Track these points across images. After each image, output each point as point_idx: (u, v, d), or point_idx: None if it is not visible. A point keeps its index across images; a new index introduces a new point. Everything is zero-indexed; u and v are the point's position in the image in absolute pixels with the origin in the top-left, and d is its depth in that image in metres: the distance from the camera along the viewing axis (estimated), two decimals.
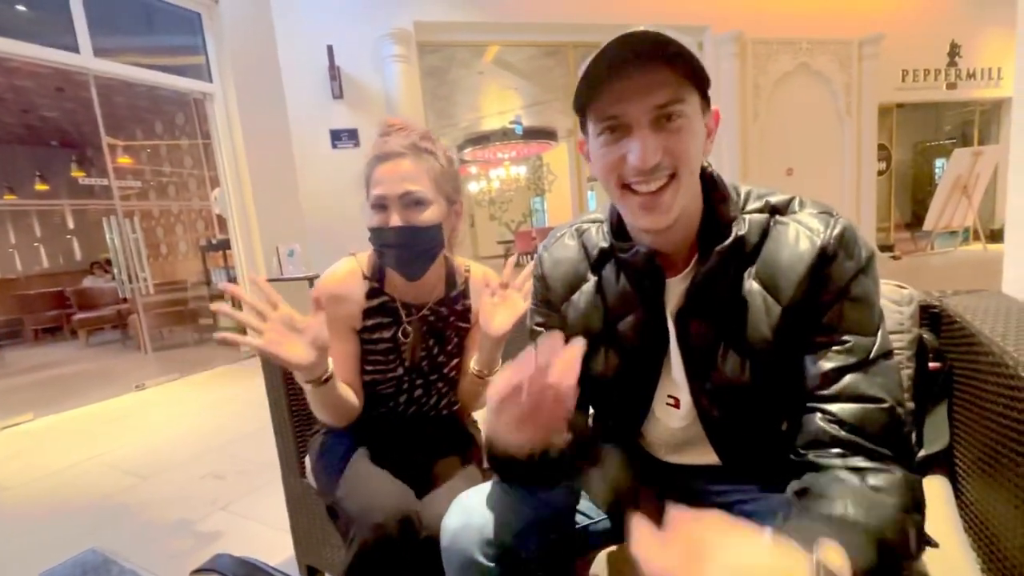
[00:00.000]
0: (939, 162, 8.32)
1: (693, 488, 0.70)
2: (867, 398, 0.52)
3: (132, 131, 6.40)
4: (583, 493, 0.73)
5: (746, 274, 0.59)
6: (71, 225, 8.54)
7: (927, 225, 6.94)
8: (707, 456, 0.68)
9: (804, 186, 4.19)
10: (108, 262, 5.50)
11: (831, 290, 0.55)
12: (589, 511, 0.71)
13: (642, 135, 0.53)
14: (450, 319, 0.99)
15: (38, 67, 3.24)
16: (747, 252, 0.59)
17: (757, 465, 0.64)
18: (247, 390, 3.23)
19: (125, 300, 4.78)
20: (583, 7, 4.95)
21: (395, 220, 0.85)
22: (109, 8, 3.60)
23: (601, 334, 0.67)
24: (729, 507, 0.65)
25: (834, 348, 0.54)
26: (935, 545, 0.61)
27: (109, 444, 2.47)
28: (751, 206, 0.61)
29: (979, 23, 6.43)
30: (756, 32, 5.38)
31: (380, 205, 0.86)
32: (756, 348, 0.58)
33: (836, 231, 0.55)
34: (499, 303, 0.89)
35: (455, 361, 1.03)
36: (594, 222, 0.71)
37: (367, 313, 0.94)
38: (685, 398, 0.66)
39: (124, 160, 6.46)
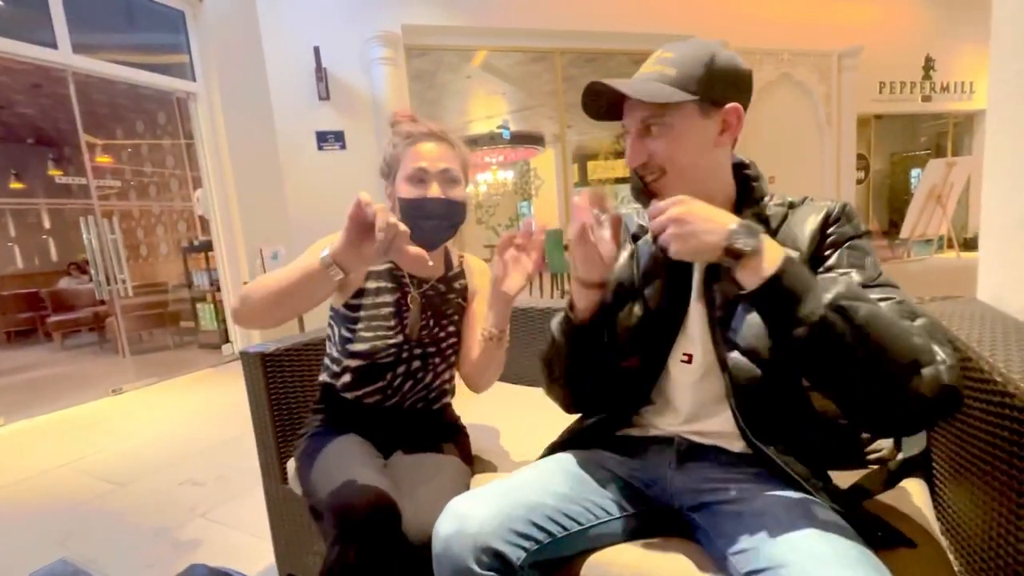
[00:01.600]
0: (915, 172, 8.55)
1: (693, 480, 0.71)
2: (880, 300, 0.59)
3: (112, 130, 6.27)
4: (576, 495, 0.73)
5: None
6: (47, 225, 8.32)
7: (903, 233, 7.11)
8: (724, 422, 0.70)
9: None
10: (85, 263, 5.37)
11: (832, 244, 0.67)
12: (584, 514, 0.71)
13: (631, 141, 0.69)
14: (448, 296, 1.05)
15: (14, 63, 3.15)
16: (771, 230, 0.70)
17: (777, 430, 0.66)
18: (228, 394, 3.17)
19: (102, 302, 4.67)
20: (571, 14, 4.99)
21: (435, 192, 0.92)
22: (89, 4, 3.53)
23: (630, 292, 0.78)
24: (713, 506, 0.66)
25: (839, 276, 0.63)
26: (913, 545, 0.62)
27: (84, 450, 2.40)
28: (775, 203, 0.74)
29: (952, 39, 6.63)
30: (741, 42, 5.47)
31: (420, 179, 0.93)
32: None
33: (840, 204, 0.70)
34: (512, 264, 0.90)
35: (452, 340, 1.05)
36: (635, 210, 0.86)
37: (370, 275, 0.99)
38: (699, 351, 0.71)
39: (103, 159, 6.31)
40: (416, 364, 1.01)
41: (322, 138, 4.32)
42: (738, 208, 0.72)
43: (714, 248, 0.57)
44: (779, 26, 5.67)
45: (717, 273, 0.69)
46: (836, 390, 0.57)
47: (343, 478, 0.83)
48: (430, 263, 0.73)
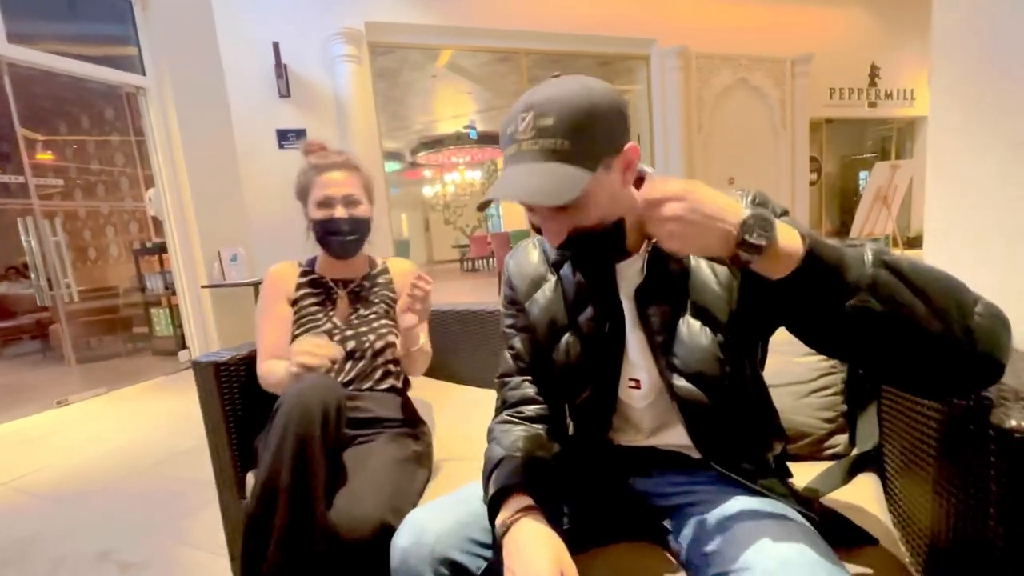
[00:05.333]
0: (863, 174, 8.97)
1: (658, 485, 0.71)
2: None
3: (54, 125, 5.90)
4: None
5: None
6: None
7: (853, 232, 7.44)
8: (682, 436, 0.69)
9: None
10: (25, 267, 5.03)
11: None
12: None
13: (547, 224, 0.63)
14: (373, 288, 1.24)
15: None
16: None
17: (730, 449, 0.66)
18: (183, 403, 3.04)
19: (46, 308, 4.40)
20: (535, 15, 5.01)
21: (339, 213, 1.14)
22: None
23: (563, 327, 0.73)
24: (679, 510, 0.67)
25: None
26: (875, 543, 0.64)
27: (23, 467, 2.25)
28: None
29: (895, 48, 7.00)
30: (700, 47, 5.62)
31: (327, 203, 1.14)
32: (711, 311, 0.64)
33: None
34: (411, 303, 1.05)
35: (384, 321, 1.19)
36: None
37: (299, 286, 1.21)
38: (644, 376, 0.69)
39: (44, 156, 5.93)
40: (351, 344, 1.14)
41: (283, 136, 4.19)
42: None
43: (723, 247, 0.50)
44: (736, 32, 5.84)
45: (650, 300, 0.66)
46: (900, 359, 0.49)
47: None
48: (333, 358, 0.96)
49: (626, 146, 0.60)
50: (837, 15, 6.55)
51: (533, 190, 0.55)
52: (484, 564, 0.63)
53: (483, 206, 0.61)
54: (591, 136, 0.56)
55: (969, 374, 0.49)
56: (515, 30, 5.00)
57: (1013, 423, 0.48)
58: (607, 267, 0.69)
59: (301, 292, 1.19)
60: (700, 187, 0.50)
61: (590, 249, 0.65)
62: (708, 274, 0.65)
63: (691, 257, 0.66)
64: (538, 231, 0.67)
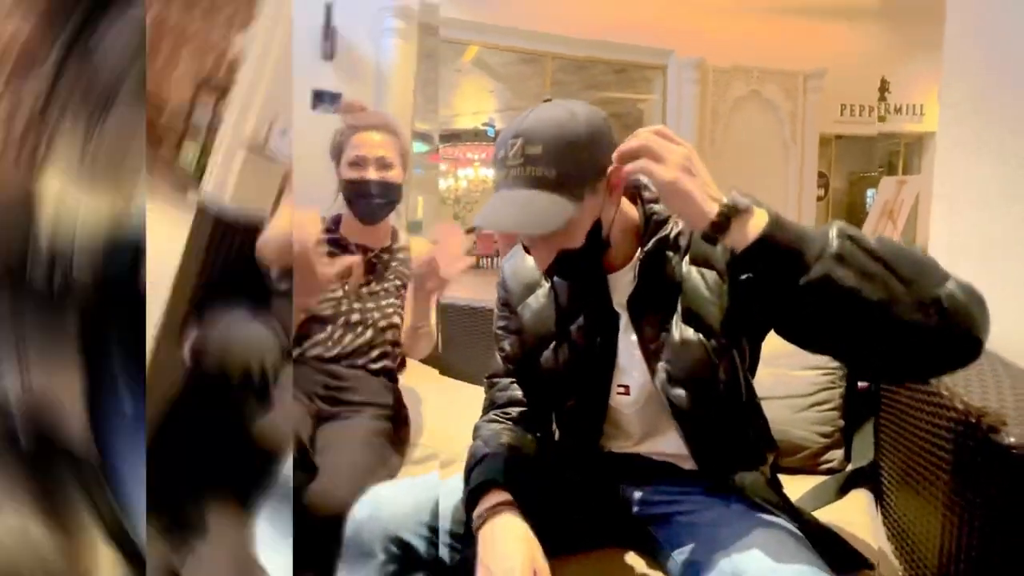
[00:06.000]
0: (870, 192, 8.93)
1: (646, 492, 0.71)
2: None
3: None
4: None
5: (683, 261, 0.66)
6: None
7: None
8: (674, 444, 0.68)
9: None
10: None
11: None
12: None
13: (535, 251, 0.64)
14: (391, 263, 1.20)
15: None
16: (682, 246, 0.67)
17: (723, 457, 0.66)
18: None
19: None
20: (565, 19, 4.99)
21: (371, 175, 1.09)
22: None
23: (555, 335, 0.73)
24: (668, 519, 0.67)
25: None
26: (871, 567, 0.62)
27: None
28: None
29: (906, 62, 6.91)
30: (715, 59, 5.61)
31: (359, 164, 1.10)
32: (703, 317, 0.64)
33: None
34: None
35: (392, 299, 1.17)
36: None
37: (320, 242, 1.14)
38: (633, 382, 0.69)
39: None
40: (355, 317, 1.11)
41: (319, 97, 4.13)
42: (644, 232, 0.67)
43: (702, 211, 0.51)
44: (750, 45, 5.81)
45: (643, 309, 0.66)
46: (869, 336, 0.48)
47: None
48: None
49: (610, 168, 0.59)
50: (850, 30, 6.52)
51: (519, 220, 0.59)
52: (435, 552, 0.63)
53: (471, 230, 0.62)
54: (577, 164, 0.58)
55: (942, 348, 0.48)
56: (543, 32, 4.98)
57: (1012, 440, 0.48)
58: (599, 278, 0.69)
59: (321, 247, 1.15)
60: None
61: (576, 267, 0.65)
62: (698, 280, 0.65)
63: (682, 264, 0.66)
64: (528, 251, 0.68)
